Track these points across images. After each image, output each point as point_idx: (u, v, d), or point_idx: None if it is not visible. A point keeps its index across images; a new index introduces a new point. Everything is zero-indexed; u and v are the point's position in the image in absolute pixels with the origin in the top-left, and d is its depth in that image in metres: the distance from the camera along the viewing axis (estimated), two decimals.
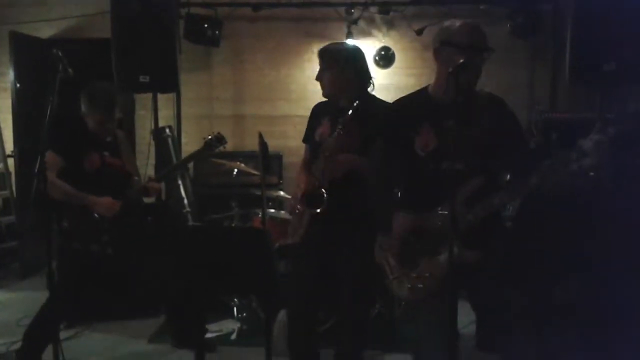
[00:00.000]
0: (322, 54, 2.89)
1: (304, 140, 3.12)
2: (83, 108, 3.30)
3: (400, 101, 2.58)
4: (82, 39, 5.84)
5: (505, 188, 2.26)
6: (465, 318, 3.56)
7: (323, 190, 2.68)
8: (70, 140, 3.28)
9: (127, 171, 3.46)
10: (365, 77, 2.90)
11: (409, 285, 2.38)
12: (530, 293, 2.37)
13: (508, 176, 2.44)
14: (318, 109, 3.05)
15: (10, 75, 5.52)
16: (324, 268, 2.85)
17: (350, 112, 2.73)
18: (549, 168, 2.15)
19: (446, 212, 2.27)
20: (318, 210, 2.71)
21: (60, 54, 2.76)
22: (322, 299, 3.01)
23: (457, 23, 2.36)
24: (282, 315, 3.27)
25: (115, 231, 3.21)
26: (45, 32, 5.95)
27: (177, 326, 3.58)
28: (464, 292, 2.45)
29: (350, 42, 5.70)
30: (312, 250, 2.85)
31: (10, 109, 5.57)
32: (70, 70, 2.79)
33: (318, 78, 2.92)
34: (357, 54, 2.94)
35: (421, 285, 2.35)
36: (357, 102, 2.74)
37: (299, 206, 2.85)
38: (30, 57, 5.62)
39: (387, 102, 2.84)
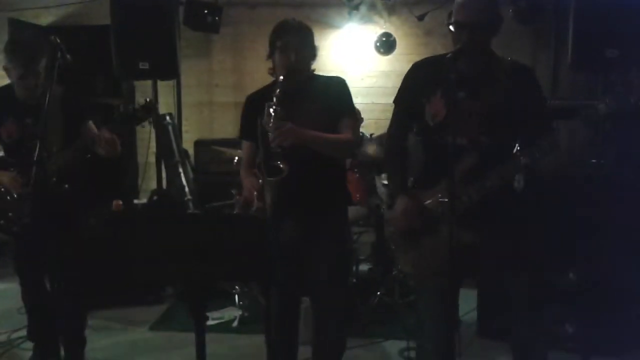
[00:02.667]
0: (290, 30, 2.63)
1: (242, 137, 2.85)
2: (4, 63, 2.95)
3: (419, 63, 2.47)
4: (81, 25, 5.80)
5: (495, 169, 2.20)
6: (467, 305, 3.59)
7: (277, 162, 2.47)
8: None
9: (50, 142, 2.87)
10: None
11: (412, 263, 2.38)
12: (534, 277, 2.33)
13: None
14: (253, 100, 2.79)
15: None
16: (297, 253, 2.70)
17: (278, 90, 2.51)
18: (537, 149, 2.13)
19: (444, 191, 2.25)
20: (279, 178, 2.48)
21: (58, 40, 2.73)
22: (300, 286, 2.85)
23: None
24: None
25: (29, 209, 2.91)
26: (44, 19, 5.91)
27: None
28: (468, 278, 2.44)
29: (351, 28, 5.68)
30: (285, 238, 2.63)
31: None
32: (68, 57, 2.76)
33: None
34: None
35: (423, 263, 2.34)
36: (280, 77, 2.53)
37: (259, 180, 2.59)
38: None
39: (332, 76, 2.75)
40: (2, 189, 2.99)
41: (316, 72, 2.72)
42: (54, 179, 2.92)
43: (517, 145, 2.25)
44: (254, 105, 2.71)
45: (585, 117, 2.05)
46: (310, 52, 2.64)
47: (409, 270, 2.43)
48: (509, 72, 2.28)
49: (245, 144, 2.85)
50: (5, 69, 2.97)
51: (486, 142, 2.25)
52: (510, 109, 2.22)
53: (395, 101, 2.53)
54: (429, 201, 2.34)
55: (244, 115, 2.81)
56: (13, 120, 3.00)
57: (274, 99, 2.50)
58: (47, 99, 2.64)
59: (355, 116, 2.73)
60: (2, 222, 3.00)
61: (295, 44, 2.55)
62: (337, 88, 2.69)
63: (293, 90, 2.57)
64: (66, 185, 2.98)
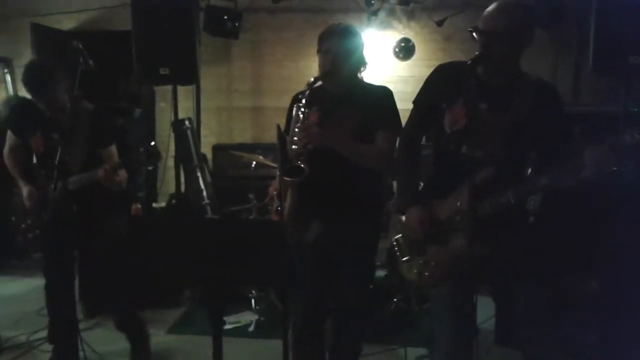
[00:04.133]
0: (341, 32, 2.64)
1: (285, 131, 2.78)
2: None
3: (444, 66, 2.43)
4: (103, 31, 5.87)
5: (513, 187, 2.16)
6: (484, 313, 3.55)
7: (299, 163, 2.47)
8: (17, 118, 3.14)
9: (72, 160, 3.01)
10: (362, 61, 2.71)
11: (416, 271, 2.35)
12: (552, 287, 2.29)
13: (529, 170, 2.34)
14: (297, 98, 2.75)
15: None
16: (323, 256, 2.70)
17: (308, 92, 2.54)
18: (560, 172, 2.08)
19: (457, 202, 2.23)
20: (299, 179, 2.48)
21: (80, 46, 2.77)
22: (326, 290, 2.82)
23: (488, 7, 2.21)
24: None
25: (42, 222, 3.09)
26: (66, 24, 5.99)
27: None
28: (483, 287, 2.41)
29: (370, 33, 5.68)
30: (312, 239, 2.67)
31: None
32: (91, 62, 2.80)
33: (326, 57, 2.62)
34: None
35: (427, 273, 2.31)
36: (311, 79, 2.56)
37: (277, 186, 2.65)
38: (51, 49, 5.66)
39: (379, 86, 2.72)
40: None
41: (364, 80, 2.72)
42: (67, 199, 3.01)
43: (530, 163, 2.24)
44: (296, 103, 2.72)
45: (610, 145, 2.01)
46: (353, 58, 2.62)
47: (412, 278, 2.39)
48: (534, 89, 2.23)
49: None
50: (74, 81, 3.04)
51: (503, 156, 2.21)
52: (531, 125, 2.18)
53: (414, 102, 2.50)
54: (441, 212, 2.31)
55: (288, 112, 2.80)
56: (40, 135, 3.08)
57: (303, 101, 2.52)
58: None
59: (397, 130, 2.64)
60: (22, 226, 3.15)
61: (335, 50, 2.57)
62: (380, 99, 2.65)
63: (332, 95, 2.59)
64: (75, 208, 3.03)
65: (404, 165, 2.52)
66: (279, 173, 2.52)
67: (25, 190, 3.12)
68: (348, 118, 2.59)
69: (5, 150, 3.25)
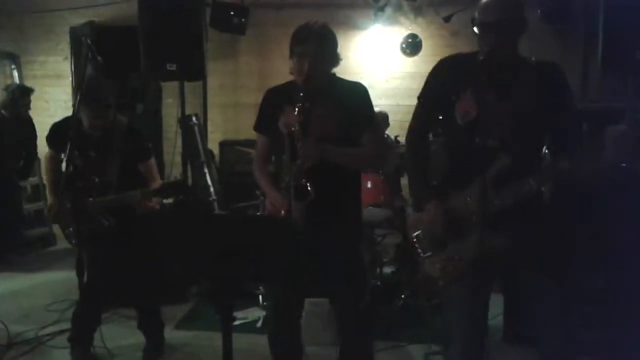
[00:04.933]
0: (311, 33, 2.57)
1: (257, 129, 2.76)
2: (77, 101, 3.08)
3: (448, 59, 2.42)
4: (110, 26, 5.88)
5: (535, 172, 2.15)
6: (492, 310, 3.55)
7: (304, 182, 2.46)
8: (57, 134, 3.21)
9: (109, 176, 3.15)
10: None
11: (439, 266, 2.34)
12: (563, 282, 2.28)
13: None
14: (273, 95, 2.72)
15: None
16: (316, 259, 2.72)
17: (302, 94, 2.48)
18: (580, 153, 2.07)
19: (473, 195, 2.21)
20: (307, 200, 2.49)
21: (89, 41, 2.78)
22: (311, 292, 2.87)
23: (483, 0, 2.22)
24: (307, 304, 3.23)
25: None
26: (73, 20, 6.00)
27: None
28: (498, 281, 2.40)
29: (377, 29, 5.67)
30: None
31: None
32: (99, 58, 2.81)
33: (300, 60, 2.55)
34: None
35: (450, 268, 2.31)
36: (301, 93, 2.49)
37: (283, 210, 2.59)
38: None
39: (354, 82, 2.69)
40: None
41: (337, 75, 2.67)
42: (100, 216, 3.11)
43: (545, 148, 2.21)
44: (272, 100, 2.69)
45: (633, 123, 2.00)
46: (329, 59, 2.57)
47: (436, 274, 2.38)
48: (536, 72, 2.23)
49: (259, 137, 2.79)
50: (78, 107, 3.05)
51: (517, 144, 2.20)
52: (540, 110, 2.18)
53: (420, 97, 2.48)
54: (459, 205, 2.30)
55: (262, 108, 2.75)
56: (77, 151, 3.06)
57: (296, 111, 2.47)
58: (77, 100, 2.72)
59: (376, 127, 2.66)
60: (66, 231, 3.23)
61: (311, 52, 2.49)
62: (358, 97, 2.63)
63: (310, 94, 2.53)
64: (106, 222, 3.13)
65: (415, 163, 2.50)
66: (286, 193, 2.52)
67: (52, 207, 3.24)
68: (328, 115, 2.56)
69: (47, 156, 3.34)
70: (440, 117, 2.40)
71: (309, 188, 2.46)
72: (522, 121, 2.19)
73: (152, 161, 3.33)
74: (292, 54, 2.58)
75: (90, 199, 3.08)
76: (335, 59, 2.61)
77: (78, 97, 2.98)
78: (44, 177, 3.46)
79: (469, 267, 2.23)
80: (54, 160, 3.26)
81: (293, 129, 2.48)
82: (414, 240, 2.44)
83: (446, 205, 2.31)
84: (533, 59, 2.28)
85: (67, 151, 2.83)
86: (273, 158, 2.77)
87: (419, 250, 2.43)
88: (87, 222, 3.04)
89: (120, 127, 3.21)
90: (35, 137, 5.74)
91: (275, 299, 2.81)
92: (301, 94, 2.49)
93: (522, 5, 2.24)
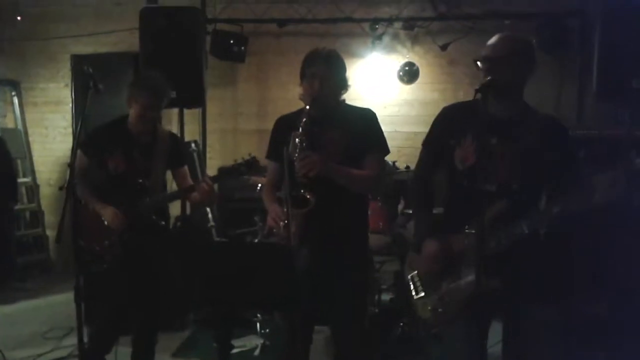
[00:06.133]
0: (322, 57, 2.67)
1: (268, 157, 2.88)
2: (128, 94, 3.12)
3: (450, 107, 2.49)
4: (112, 53, 5.93)
5: (527, 217, 2.17)
6: (491, 338, 3.53)
7: (303, 192, 2.50)
8: (97, 138, 3.18)
9: (154, 178, 3.15)
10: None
11: (430, 308, 2.36)
12: (561, 310, 2.29)
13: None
14: (283, 123, 2.81)
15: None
16: (314, 280, 2.61)
17: (304, 120, 2.55)
18: (571, 199, 2.10)
19: (471, 235, 2.24)
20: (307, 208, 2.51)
21: (90, 70, 2.81)
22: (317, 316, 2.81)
23: (491, 39, 2.28)
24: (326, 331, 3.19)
25: (123, 241, 3.07)
26: (74, 48, 6.06)
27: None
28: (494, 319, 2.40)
29: (374, 57, 5.73)
30: (303, 266, 2.54)
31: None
32: (100, 86, 2.83)
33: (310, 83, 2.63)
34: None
35: (441, 310, 2.32)
36: (307, 107, 2.58)
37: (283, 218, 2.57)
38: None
39: (363, 108, 2.75)
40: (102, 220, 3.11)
41: (346, 102, 2.74)
42: (153, 216, 3.14)
43: (544, 192, 2.25)
44: (282, 127, 2.76)
45: (620, 170, 2.03)
46: (338, 81, 2.66)
47: (426, 315, 2.39)
48: (542, 123, 2.28)
49: (270, 164, 2.89)
50: (129, 99, 3.11)
51: (516, 189, 2.24)
52: (540, 157, 2.22)
53: (423, 143, 2.55)
54: (456, 246, 2.32)
55: (273, 136, 2.84)
56: (122, 153, 3.12)
57: (300, 129, 2.52)
58: (78, 129, 2.72)
59: (382, 152, 2.71)
60: (97, 248, 3.10)
61: (322, 74, 2.59)
62: (367, 121, 2.69)
63: (319, 118, 2.59)
64: (162, 222, 3.18)
65: (418, 207, 2.57)
66: (285, 203, 2.46)
67: (107, 210, 3.09)
68: (335, 140, 2.62)
69: (77, 173, 3.16)
70: (443, 162, 2.44)
71: (307, 197, 2.49)
72: (522, 166, 2.24)
73: (186, 168, 3.37)
74: (302, 77, 2.68)
75: (145, 200, 3.09)
76: (344, 83, 2.69)
77: (130, 92, 3.05)
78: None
79: (458, 310, 2.24)
80: (83, 165, 3.18)
81: (297, 142, 2.53)
82: (409, 280, 2.45)
83: (445, 244, 2.33)
84: (540, 111, 2.33)
85: (110, 152, 2.94)
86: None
87: (413, 292, 2.44)
88: (139, 224, 3.07)
89: (164, 132, 3.27)
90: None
91: (288, 326, 2.79)
92: (304, 120, 2.55)
93: (530, 47, 2.28)
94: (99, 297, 3.30)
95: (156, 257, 3.01)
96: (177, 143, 3.34)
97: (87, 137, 3.26)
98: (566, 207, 2.10)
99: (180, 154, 3.35)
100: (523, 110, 2.31)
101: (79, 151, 3.16)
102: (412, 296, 2.43)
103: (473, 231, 2.20)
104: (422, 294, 2.39)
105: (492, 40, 2.27)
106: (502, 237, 2.20)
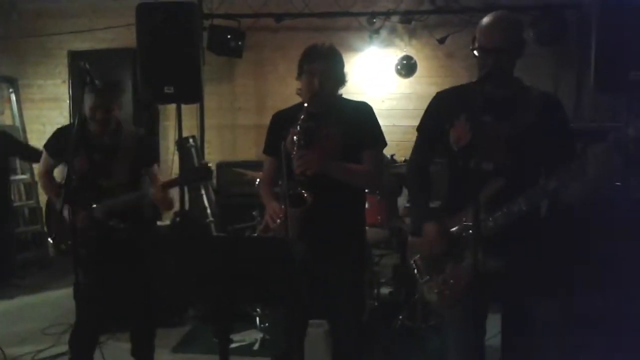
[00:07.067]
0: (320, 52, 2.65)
1: (265, 152, 2.86)
2: (84, 96, 3.03)
3: (443, 92, 2.48)
4: (109, 49, 5.93)
5: (525, 194, 2.15)
6: (490, 330, 3.54)
7: (300, 190, 2.49)
8: (59, 140, 3.17)
9: (115, 179, 3.11)
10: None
11: (436, 291, 2.35)
12: (558, 302, 2.29)
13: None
14: (280, 118, 2.80)
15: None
16: (309, 275, 2.61)
17: (303, 117, 2.54)
18: (565, 173, 2.09)
19: (469, 216, 2.23)
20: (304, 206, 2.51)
21: (87, 66, 2.80)
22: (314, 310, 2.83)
23: (484, 22, 2.26)
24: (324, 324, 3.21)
25: (85, 241, 3.03)
26: (71, 44, 6.05)
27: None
28: (493, 303, 2.40)
29: (372, 51, 5.73)
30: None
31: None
32: (97, 82, 2.83)
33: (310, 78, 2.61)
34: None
35: (447, 292, 2.32)
36: (305, 104, 2.57)
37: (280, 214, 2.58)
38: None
39: (359, 101, 2.74)
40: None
41: (343, 96, 2.73)
42: (110, 222, 3.09)
43: (542, 170, 2.23)
44: (279, 123, 2.75)
45: (613, 142, 2.01)
46: (337, 78, 2.65)
47: (433, 298, 2.39)
48: (537, 100, 2.27)
49: (267, 159, 2.88)
50: (83, 103, 3.06)
51: (512, 167, 2.22)
52: (537, 134, 2.20)
53: (418, 129, 2.53)
54: (455, 227, 2.31)
55: (269, 131, 2.83)
56: (84, 154, 3.10)
57: (298, 127, 2.52)
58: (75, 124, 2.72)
59: (380, 146, 2.71)
60: (62, 247, 3.20)
61: (321, 70, 2.58)
62: (363, 115, 2.68)
63: (317, 114, 2.59)
64: (122, 225, 3.11)
65: (414, 192, 2.55)
66: (283, 201, 2.48)
67: (66, 210, 3.01)
68: (333, 136, 2.61)
69: (40, 171, 3.30)
70: (439, 146, 2.43)
71: (304, 195, 2.49)
72: (518, 144, 2.22)
73: (157, 167, 3.30)
74: (300, 73, 2.66)
75: (94, 205, 3.05)
76: (342, 79, 2.68)
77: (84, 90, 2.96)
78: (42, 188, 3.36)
79: (465, 291, 2.24)
80: (48, 165, 3.24)
81: (295, 139, 2.53)
82: (413, 264, 2.45)
83: (444, 227, 2.33)
84: (534, 88, 2.33)
85: (69, 152, 2.81)
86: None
87: (417, 275, 2.44)
88: (92, 231, 3.03)
89: (130, 132, 3.22)
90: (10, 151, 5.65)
91: (281, 320, 2.80)
92: (303, 116, 2.54)
93: (521, 28, 2.29)
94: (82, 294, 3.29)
95: (146, 252, 2.99)
96: (143, 142, 3.25)
97: (52, 138, 3.25)
98: (562, 182, 2.09)
99: (147, 153, 3.26)
100: (517, 88, 2.30)
101: (44, 152, 3.27)
102: (418, 280, 2.43)
103: (468, 221, 2.20)
104: (427, 277, 2.39)
105: (487, 25, 2.24)
106: (499, 217, 2.18)
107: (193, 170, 3.03)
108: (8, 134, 5.70)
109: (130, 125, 3.28)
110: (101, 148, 3.12)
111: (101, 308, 3.19)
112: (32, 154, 5.38)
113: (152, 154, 3.35)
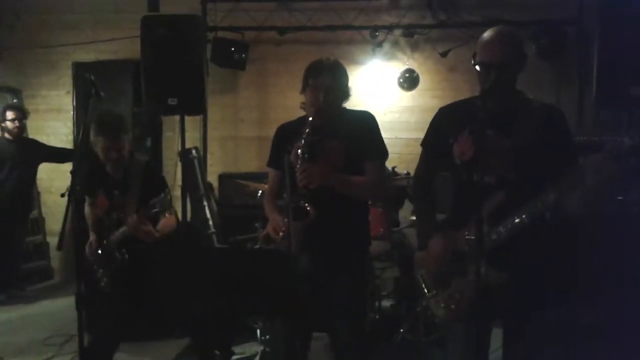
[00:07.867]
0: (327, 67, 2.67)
1: (269, 165, 2.87)
2: (91, 136, 3.14)
3: (446, 107, 2.49)
4: (113, 60, 5.97)
5: (525, 207, 2.16)
6: (493, 344, 3.53)
7: (304, 203, 2.52)
8: (84, 181, 3.17)
9: (127, 212, 3.17)
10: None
11: (443, 305, 2.35)
12: (560, 315, 2.29)
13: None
14: (284, 131, 2.82)
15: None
16: (312, 286, 2.64)
17: (307, 131, 2.56)
18: (564, 184, 2.10)
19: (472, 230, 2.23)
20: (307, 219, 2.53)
21: (92, 78, 2.82)
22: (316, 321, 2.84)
23: (484, 37, 2.28)
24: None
25: (107, 268, 3.21)
26: (75, 55, 6.09)
27: (203, 350, 3.51)
28: (498, 318, 2.39)
29: (375, 64, 5.76)
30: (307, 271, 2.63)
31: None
32: (101, 93, 2.85)
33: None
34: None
35: (454, 306, 2.32)
36: (310, 118, 2.58)
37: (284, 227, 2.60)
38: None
39: (361, 111, 2.76)
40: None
41: (344, 107, 2.74)
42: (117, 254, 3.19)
43: (545, 183, 2.24)
44: (284, 135, 2.77)
45: (610, 151, 2.03)
46: (342, 92, 2.68)
47: (440, 313, 2.39)
48: (539, 112, 2.28)
49: (271, 172, 2.89)
50: (93, 142, 3.14)
51: (515, 180, 2.23)
52: (539, 147, 2.20)
53: (422, 144, 2.55)
54: (460, 242, 2.31)
55: (274, 144, 2.84)
56: (103, 193, 3.21)
57: (302, 141, 2.53)
58: (81, 133, 2.75)
59: (382, 158, 2.72)
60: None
61: (326, 85, 2.59)
62: (365, 126, 2.69)
63: (321, 127, 2.60)
64: (126, 256, 3.19)
65: (420, 206, 2.58)
66: (286, 214, 2.48)
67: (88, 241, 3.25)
68: (336, 149, 2.62)
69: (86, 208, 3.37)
70: (444, 161, 2.43)
71: (308, 209, 2.49)
72: (521, 157, 2.22)
73: (163, 195, 3.27)
74: (305, 87, 2.68)
75: (105, 241, 3.19)
76: (346, 93, 2.71)
77: (92, 135, 3.07)
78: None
79: (470, 305, 2.24)
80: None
81: (299, 153, 2.54)
82: (420, 279, 2.45)
83: (449, 241, 2.33)
84: (536, 101, 2.33)
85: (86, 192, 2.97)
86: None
87: (425, 290, 2.44)
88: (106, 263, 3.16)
89: (140, 165, 3.27)
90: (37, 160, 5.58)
91: (282, 333, 2.79)
92: (307, 130, 2.56)
93: (522, 43, 2.30)
94: (99, 304, 3.30)
95: (155, 266, 3.01)
96: (151, 174, 3.33)
97: (72, 185, 3.29)
98: (561, 193, 2.10)
99: (155, 185, 3.26)
100: (519, 101, 2.31)
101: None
102: (425, 294, 2.43)
103: (472, 235, 2.20)
104: (434, 292, 2.39)
105: (487, 40, 2.25)
106: (502, 230, 2.19)
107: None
108: (35, 141, 5.65)
109: (140, 155, 3.40)
110: (117, 183, 3.21)
111: (121, 326, 3.22)
112: (57, 155, 5.43)
113: (157, 187, 3.28)
